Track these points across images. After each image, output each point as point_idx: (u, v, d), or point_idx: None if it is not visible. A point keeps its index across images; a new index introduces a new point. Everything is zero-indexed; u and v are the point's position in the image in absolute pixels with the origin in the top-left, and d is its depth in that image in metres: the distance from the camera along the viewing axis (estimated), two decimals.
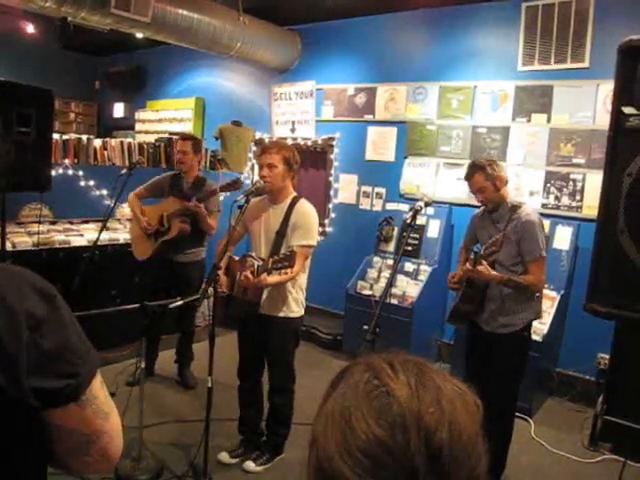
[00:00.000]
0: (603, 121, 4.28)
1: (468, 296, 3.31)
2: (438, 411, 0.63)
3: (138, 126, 8.62)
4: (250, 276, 3.08)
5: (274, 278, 3.08)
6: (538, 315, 3.32)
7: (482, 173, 3.13)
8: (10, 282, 0.88)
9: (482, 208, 3.40)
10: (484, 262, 3.09)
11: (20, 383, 0.84)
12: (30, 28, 7.41)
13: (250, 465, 3.45)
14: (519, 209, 3.17)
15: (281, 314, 3.30)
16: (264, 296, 3.26)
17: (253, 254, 3.25)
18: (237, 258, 3.38)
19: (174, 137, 6.44)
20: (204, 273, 4.56)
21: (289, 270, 3.02)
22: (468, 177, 3.22)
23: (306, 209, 3.31)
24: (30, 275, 0.93)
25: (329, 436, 0.65)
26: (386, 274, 5.39)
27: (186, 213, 4.26)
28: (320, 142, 6.47)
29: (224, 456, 3.50)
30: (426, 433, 0.61)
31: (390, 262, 5.48)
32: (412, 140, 5.76)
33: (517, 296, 3.16)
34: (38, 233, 4.55)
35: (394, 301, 5.13)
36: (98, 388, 0.97)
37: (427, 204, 3.16)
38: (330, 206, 6.44)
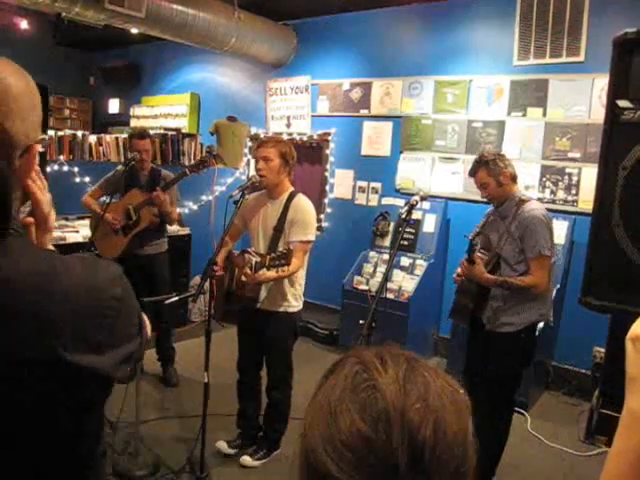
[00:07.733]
0: (598, 115, 4.28)
1: (464, 287, 3.24)
2: (424, 407, 0.63)
3: (133, 122, 8.59)
4: (249, 272, 3.09)
5: (271, 274, 3.08)
6: (543, 317, 3.20)
7: (485, 169, 3.08)
8: (94, 268, 0.93)
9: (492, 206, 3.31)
10: (478, 260, 3.05)
11: (111, 361, 0.90)
12: (24, 24, 7.36)
13: (247, 460, 3.45)
14: (525, 203, 3.09)
15: (281, 309, 3.32)
16: (263, 292, 3.27)
17: (251, 250, 3.25)
18: (237, 253, 3.38)
19: (169, 133, 6.43)
20: (168, 264, 4.57)
21: (286, 268, 3.03)
22: (472, 173, 3.17)
23: (303, 204, 3.31)
24: (105, 262, 0.99)
25: (315, 428, 0.65)
26: (382, 269, 5.39)
27: (152, 203, 4.21)
28: (316, 137, 6.45)
29: (222, 445, 3.50)
30: (409, 429, 0.61)
31: (386, 257, 5.47)
32: (408, 135, 5.76)
33: (519, 295, 3.06)
34: None
35: (390, 296, 5.12)
36: None
37: (423, 199, 3.11)
38: (326, 201, 6.42)
